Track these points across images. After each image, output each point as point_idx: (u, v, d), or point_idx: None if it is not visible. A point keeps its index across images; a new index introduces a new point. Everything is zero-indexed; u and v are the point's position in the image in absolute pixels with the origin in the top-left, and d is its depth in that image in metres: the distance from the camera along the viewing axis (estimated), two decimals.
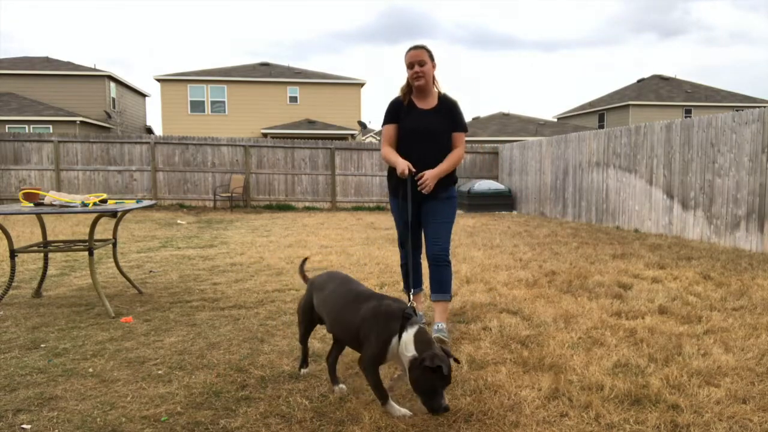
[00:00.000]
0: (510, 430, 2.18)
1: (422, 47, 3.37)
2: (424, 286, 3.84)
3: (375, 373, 2.26)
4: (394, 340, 2.20)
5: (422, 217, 3.48)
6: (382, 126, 3.48)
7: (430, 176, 3.23)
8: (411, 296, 2.59)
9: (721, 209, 7.91)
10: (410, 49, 3.37)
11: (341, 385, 2.54)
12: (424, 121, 3.39)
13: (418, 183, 3.23)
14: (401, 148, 3.39)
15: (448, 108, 3.44)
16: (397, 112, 3.43)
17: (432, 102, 3.44)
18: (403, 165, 3.19)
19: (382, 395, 2.28)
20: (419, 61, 3.33)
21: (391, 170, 3.45)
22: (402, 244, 3.60)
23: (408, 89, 3.45)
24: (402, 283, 4.08)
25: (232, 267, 5.86)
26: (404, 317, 2.23)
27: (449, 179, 3.45)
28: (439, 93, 3.47)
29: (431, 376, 2.09)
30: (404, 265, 3.63)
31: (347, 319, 2.37)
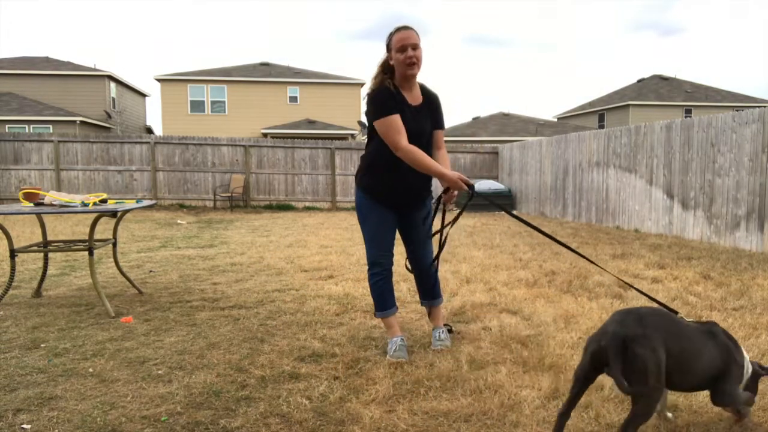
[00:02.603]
0: (510, 430, 2.18)
1: (412, 28, 2.83)
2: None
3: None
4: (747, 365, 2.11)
5: (406, 227, 3.21)
6: (384, 116, 2.80)
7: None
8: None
9: (721, 209, 7.91)
10: (399, 30, 2.82)
11: None
12: (417, 121, 2.91)
13: (451, 190, 2.87)
14: (388, 152, 2.86)
15: (432, 103, 3.03)
16: (397, 102, 2.86)
17: (417, 96, 2.97)
18: (456, 177, 2.76)
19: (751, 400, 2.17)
20: (413, 44, 2.79)
21: (382, 172, 2.98)
22: (378, 263, 3.16)
23: (390, 76, 2.90)
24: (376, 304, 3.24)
25: (232, 267, 5.86)
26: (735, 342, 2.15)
27: (430, 185, 3.14)
28: (420, 85, 3.01)
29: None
30: (381, 280, 3.14)
31: (707, 361, 2.02)
